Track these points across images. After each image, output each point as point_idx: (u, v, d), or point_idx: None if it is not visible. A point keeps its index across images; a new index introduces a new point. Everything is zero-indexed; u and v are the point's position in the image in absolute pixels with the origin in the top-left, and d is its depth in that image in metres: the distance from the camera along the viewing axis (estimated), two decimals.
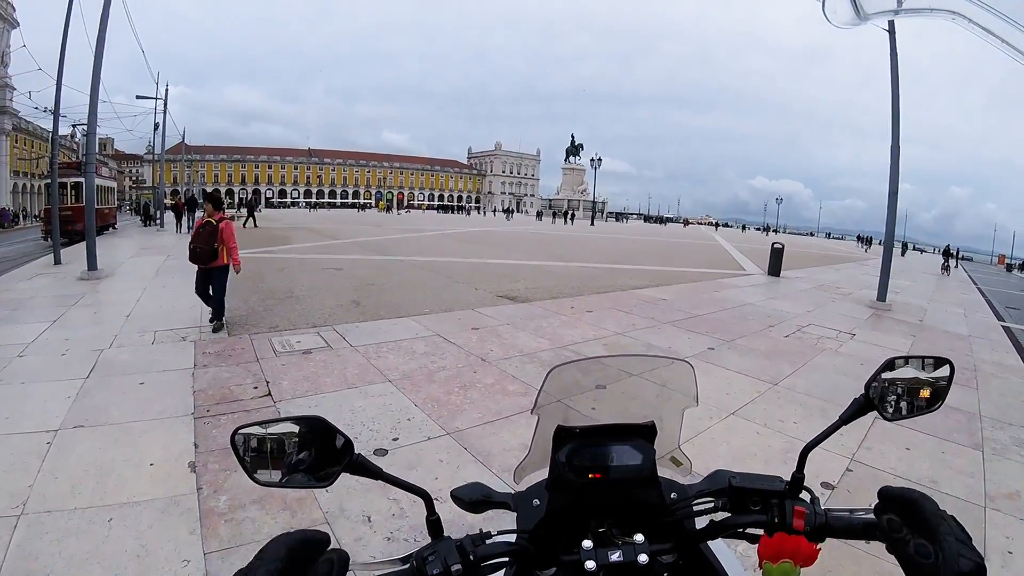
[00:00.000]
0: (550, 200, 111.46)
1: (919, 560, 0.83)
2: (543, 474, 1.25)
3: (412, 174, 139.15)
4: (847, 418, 1.19)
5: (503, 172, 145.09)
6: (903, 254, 53.08)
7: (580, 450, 1.19)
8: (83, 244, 14.26)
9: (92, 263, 13.17)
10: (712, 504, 1.16)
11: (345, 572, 0.92)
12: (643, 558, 1.05)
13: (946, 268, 36.01)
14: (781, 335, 10.04)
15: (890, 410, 1.20)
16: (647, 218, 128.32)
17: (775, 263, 19.87)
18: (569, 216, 75.94)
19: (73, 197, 24.97)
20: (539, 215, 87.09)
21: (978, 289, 26.90)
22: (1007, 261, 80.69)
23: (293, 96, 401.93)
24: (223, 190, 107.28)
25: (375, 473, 1.06)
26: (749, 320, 11.23)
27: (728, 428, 5.60)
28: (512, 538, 1.10)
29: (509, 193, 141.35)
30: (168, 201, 39.44)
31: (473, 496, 1.18)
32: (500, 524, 1.16)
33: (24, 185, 70.30)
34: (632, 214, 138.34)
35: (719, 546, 1.24)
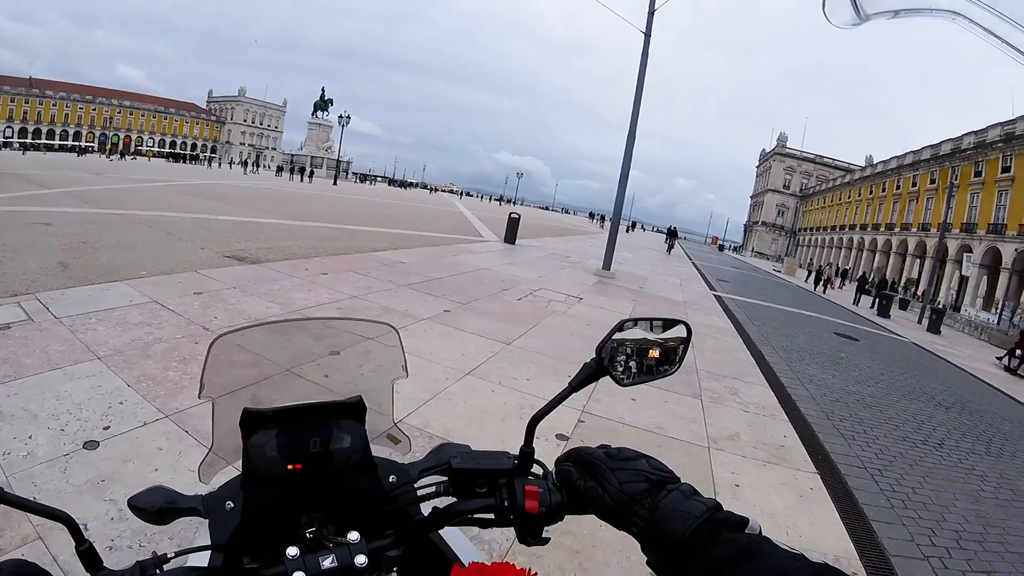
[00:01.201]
0: (292, 155, 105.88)
1: (591, 499, 0.91)
2: (237, 470, 1.06)
3: (143, 115, 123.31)
4: (577, 385, 1.09)
5: (244, 121, 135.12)
6: (628, 231, 58.42)
7: (275, 437, 1.03)
8: None
9: None
10: (434, 489, 1.06)
11: None
12: (361, 559, 0.92)
13: (670, 247, 39.48)
14: (514, 298, 10.65)
15: (624, 374, 1.13)
16: (391, 181, 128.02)
17: (511, 232, 21.00)
18: (308, 174, 72.76)
19: None
20: (279, 170, 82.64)
21: (693, 264, 30.72)
22: (720, 242, 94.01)
23: (21, 13, 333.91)
24: None
25: None
26: (484, 284, 11.70)
27: (465, 388, 5.79)
28: (203, 557, 0.94)
29: (249, 144, 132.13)
30: None
31: (155, 504, 0.96)
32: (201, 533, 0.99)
33: None
34: (378, 176, 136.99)
35: (451, 531, 1.15)
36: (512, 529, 0.98)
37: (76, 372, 5.17)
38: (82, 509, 3.32)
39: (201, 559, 0.94)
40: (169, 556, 0.89)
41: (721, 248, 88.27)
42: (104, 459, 3.86)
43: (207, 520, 1.00)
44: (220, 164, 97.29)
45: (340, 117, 71.05)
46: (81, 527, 0.85)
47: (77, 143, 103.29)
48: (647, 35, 16.45)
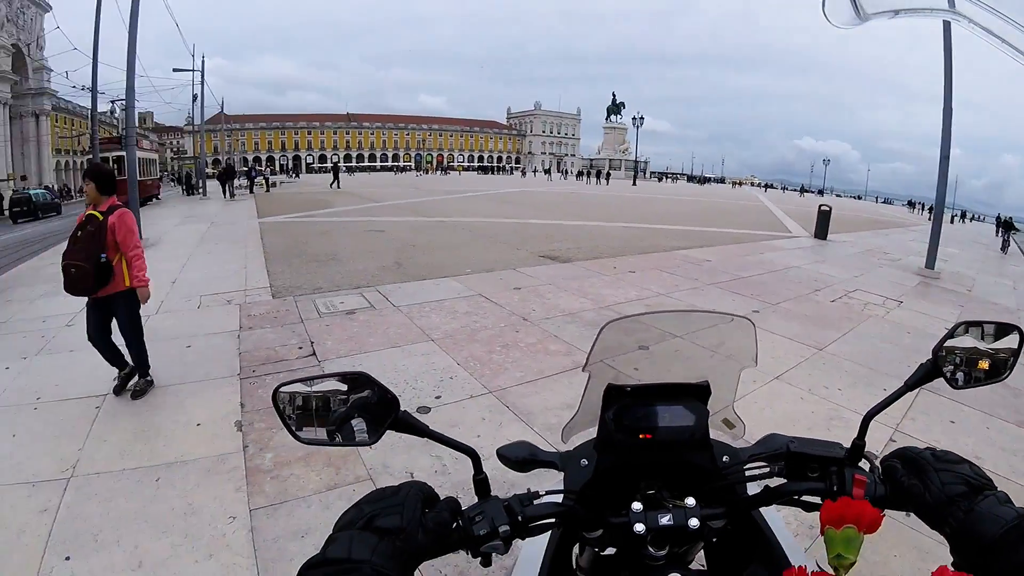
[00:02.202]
0: (591, 160, 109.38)
1: (913, 495, 0.95)
2: (591, 434, 1.21)
3: (451, 135, 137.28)
4: (912, 384, 1.10)
5: (543, 132, 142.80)
6: (952, 222, 49.91)
7: (630, 410, 1.15)
8: None
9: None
10: (767, 469, 1.12)
11: (459, 517, 0.95)
12: (694, 522, 1.01)
13: (1005, 243, 28.77)
14: (827, 300, 9.82)
15: (957, 378, 1.13)
16: (690, 178, 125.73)
17: (822, 226, 19.23)
18: (604, 176, 73.46)
19: (116, 170, 24.86)
20: (580, 174, 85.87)
21: None
22: None
23: (328, 64, 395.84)
24: (264, 157, 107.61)
25: (421, 431, 1.03)
26: (794, 283, 11.00)
27: (772, 393, 5.53)
28: (559, 498, 1.08)
29: (550, 153, 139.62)
30: (211, 170, 39.92)
31: (519, 455, 1.16)
32: (546, 484, 1.13)
33: (66, 162, 72.16)
34: (676, 174, 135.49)
35: (770, 513, 1.22)
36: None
37: (412, 350, 6.02)
38: (411, 461, 3.90)
39: (556, 501, 1.07)
40: (541, 493, 1.04)
41: None
42: (433, 422, 4.41)
43: (561, 473, 1.15)
44: (525, 173, 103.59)
45: (633, 119, 71.85)
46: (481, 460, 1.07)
47: (396, 163, 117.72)
48: None
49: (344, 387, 1.01)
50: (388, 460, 3.91)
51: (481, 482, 1.05)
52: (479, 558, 0.96)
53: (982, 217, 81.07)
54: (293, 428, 1.00)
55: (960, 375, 1.14)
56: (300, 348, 5.98)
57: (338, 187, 35.05)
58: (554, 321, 7.30)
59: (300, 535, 3.19)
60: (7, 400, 4.82)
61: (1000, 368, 1.14)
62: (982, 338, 1.14)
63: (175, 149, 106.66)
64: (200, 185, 35.26)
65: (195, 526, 3.22)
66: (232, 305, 7.53)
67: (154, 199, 31.74)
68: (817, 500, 1.02)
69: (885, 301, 10.20)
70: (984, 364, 1.13)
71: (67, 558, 2.91)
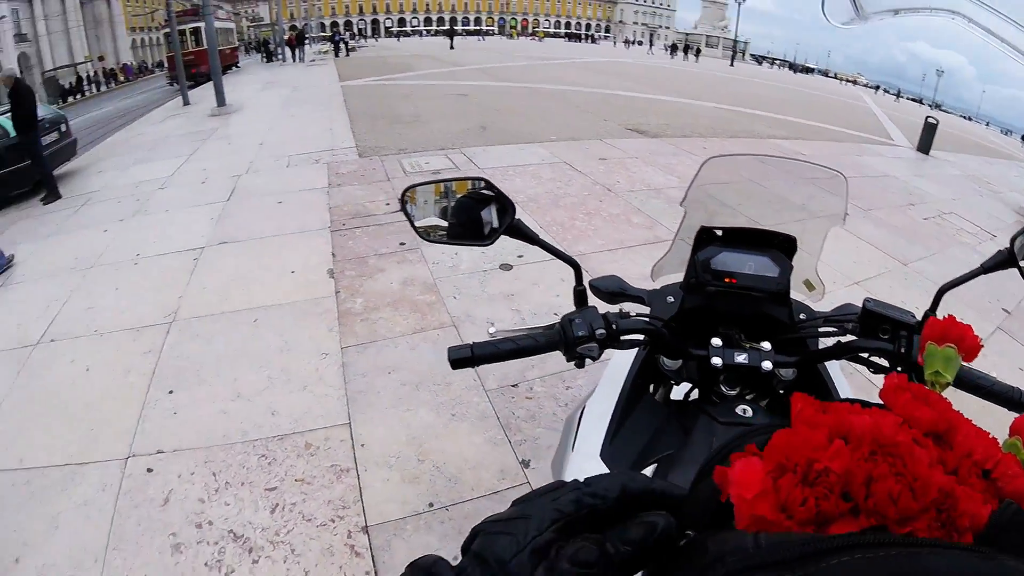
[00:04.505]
0: (687, 34, 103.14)
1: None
2: (678, 279, 1.29)
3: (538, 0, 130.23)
4: (988, 268, 1.14)
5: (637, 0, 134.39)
6: None
7: (719, 254, 1.21)
8: (209, 85, 14.55)
9: (221, 99, 13.32)
10: (840, 328, 1.16)
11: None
12: (767, 364, 1.08)
13: None
14: (919, 216, 9.29)
15: None
16: (792, 66, 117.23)
17: (926, 139, 17.80)
18: (695, 52, 66.39)
19: (193, 42, 25.36)
20: (673, 48, 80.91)
21: None
22: None
23: None
24: (341, 22, 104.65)
25: (532, 238, 1.12)
26: (888, 193, 10.41)
27: (850, 296, 5.36)
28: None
29: (642, 24, 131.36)
30: (287, 36, 40.08)
31: (610, 287, 1.28)
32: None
33: (142, 40, 70.13)
34: (779, 59, 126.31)
35: (837, 376, 1.26)
36: None
37: None
38: (493, 312, 4.16)
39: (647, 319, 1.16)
40: (631, 315, 1.13)
41: None
42: (516, 279, 4.68)
43: (648, 307, 1.26)
44: (617, 43, 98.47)
45: None
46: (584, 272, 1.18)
47: (479, 27, 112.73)
48: None
49: (467, 189, 1.12)
50: (471, 310, 4.16)
51: (580, 293, 1.15)
52: (574, 360, 1.04)
53: None
54: (417, 227, 1.10)
55: None
56: (387, 204, 6.15)
57: (452, 48, 36.35)
58: (638, 194, 7.25)
59: (388, 371, 3.44)
60: (108, 259, 5.18)
61: None
62: None
63: (251, 18, 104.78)
64: (279, 52, 35.47)
65: (290, 361, 3.50)
66: (320, 164, 7.70)
67: (234, 67, 31.80)
68: (884, 363, 1.07)
69: (979, 231, 9.56)
70: None
71: (170, 392, 3.22)
